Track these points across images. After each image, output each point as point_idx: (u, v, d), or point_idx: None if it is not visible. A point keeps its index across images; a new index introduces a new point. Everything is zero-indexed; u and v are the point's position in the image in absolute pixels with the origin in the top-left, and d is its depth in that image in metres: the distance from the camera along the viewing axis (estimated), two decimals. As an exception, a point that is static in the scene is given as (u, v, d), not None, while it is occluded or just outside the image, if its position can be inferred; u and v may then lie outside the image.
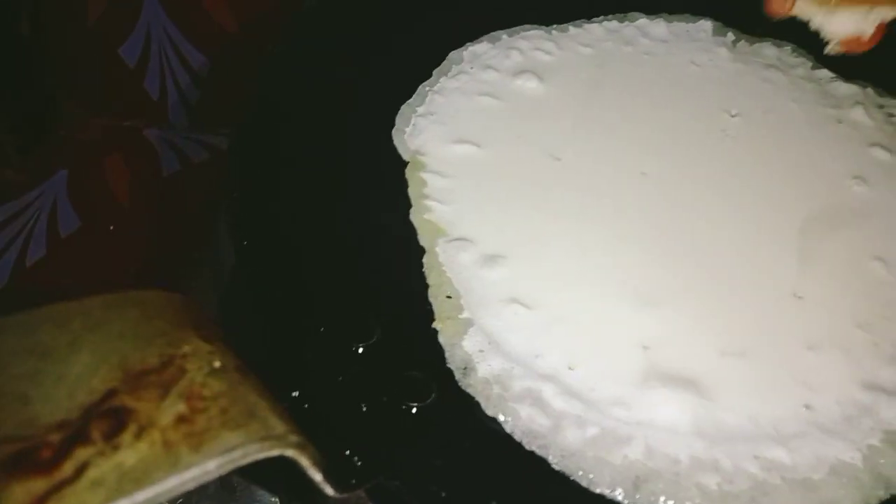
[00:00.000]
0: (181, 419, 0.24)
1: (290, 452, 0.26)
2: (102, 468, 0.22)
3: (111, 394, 0.24)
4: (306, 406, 0.36)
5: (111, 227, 1.06)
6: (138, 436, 0.23)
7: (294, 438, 0.27)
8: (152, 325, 0.27)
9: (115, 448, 0.23)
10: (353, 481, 0.33)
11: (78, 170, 1.08)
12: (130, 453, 0.23)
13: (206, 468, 0.24)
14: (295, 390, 0.36)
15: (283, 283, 0.42)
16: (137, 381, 0.25)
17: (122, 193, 1.07)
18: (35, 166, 1.09)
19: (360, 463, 0.34)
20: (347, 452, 0.35)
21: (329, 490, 0.32)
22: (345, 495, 0.33)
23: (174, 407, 0.25)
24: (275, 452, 0.26)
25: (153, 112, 1.12)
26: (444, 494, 0.34)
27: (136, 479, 0.22)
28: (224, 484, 0.44)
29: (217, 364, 0.27)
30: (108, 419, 0.23)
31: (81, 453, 0.22)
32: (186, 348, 0.27)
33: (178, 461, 0.23)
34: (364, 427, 0.36)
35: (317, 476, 0.29)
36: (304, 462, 0.27)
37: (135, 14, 1.04)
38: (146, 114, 1.12)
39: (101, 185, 1.07)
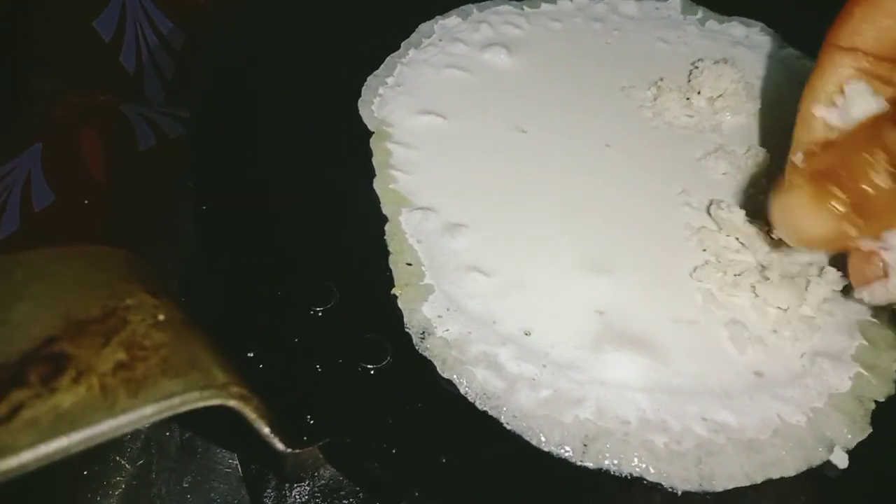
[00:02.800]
0: (121, 366, 0.25)
1: (231, 402, 0.27)
2: (38, 409, 0.23)
3: (51, 340, 0.25)
4: (261, 366, 0.36)
5: (85, 202, 1.05)
6: (76, 380, 0.24)
7: (236, 389, 0.27)
8: (96, 278, 0.27)
9: (52, 391, 0.23)
10: (305, 438, 0.34)
11: (52, 144, 1.08)
12: (67, 396, 0.23)
13: (142, 413, 0.24)
14: (250, 351, 0.37)
15: (242, 248, 0.42)
16: (78, 330, 0.25)
17: (97, 168, 1.07)
18: (9, 141, 1.08)
19: (312, 421, 0.35)
20: (300, 410, 0.35)
21: (279, 444, 0.32)
22: (296, 451, 0.33)
23: (114, 354, 0.25)
24: (214, 401, 0.26)
25: (129, 87, 1.11)
26: (394, 451, 0.35)
27: (71, 420, 0.23)
28: (185, 446, 0.44)
29: (161, 317, 0.28)
30: (47, 364, 0.24)
31: (17, 395, 0.23)
32: (130, 301, 0.27)
33: (115, 405, 0.24)
34: (318, 387, 0.37)
35: (263, 429, 0.30)
36: (249, 414, 0.28)
37: (109, -13, 1.03)
38: (122, 88, 1.11)
39: (76, 159, 1.07)
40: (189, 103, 0.97)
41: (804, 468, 0.39)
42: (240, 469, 0.43)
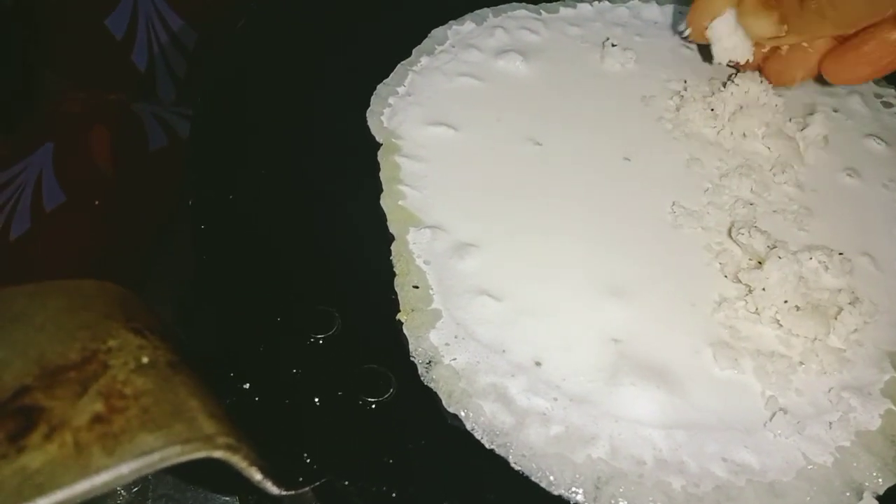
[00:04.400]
0: (97, 419, 0.23)
1: (218, 454, 0.25)
2: (2, 472, 0.21)
3: (23, 391, 0.23)
4: (257, 399, 0.35)
5: (96, 202, 1.05)
6: (48, 437, 0.22)
7: (223, 440, 0.25)
8: (77, 317, 0.26)
9: (20, 450, 0.22)
10: (301, 479, 0.32)
11: (63, 143, 1.07)
12: (37, 456, 0.22)
13: (118, 472, 0.23)
14: (246, 382, 0.35)
15: (241, 271, 0.41)
16: (54, 378, 0.24)
17: (108, 168, 1.06)
18: (20, 140, 1.07)
19: (309, 460, 0.33)
20: (297, 448, 0.33)
21: (273, 489, 0.30)
22: (291, 493, 0.32)
23: (91, 406, 0.23)
24: (198, 455, 0.24)
25: (141, 85, 1.10)
26: (394, 495, 0.33)
27: (39, 483, 0.21)
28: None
29: (145, 359, 0.26)
30: (16, 419, 0.22)
31: (-19, 456, 0.21)
32: (112, 342, 0.26)
33: (89, 464, 0.22)
34: (316, 423, 0.35)
35: (255, 476, 0.28)
36: (237, 463, 0.26)
37: (121, -15, 1.02)
38: (134, 87, 1.10)
39: (87, 159, 1.06)
40: (177, 110, 0.96)
41: (831, 515, 0.37)
42: (238, 500, 0.41)
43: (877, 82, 0.61)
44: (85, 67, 1.09)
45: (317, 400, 0.36)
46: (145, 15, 1.04)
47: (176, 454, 0.24)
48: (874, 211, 0.52)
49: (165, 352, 0.27)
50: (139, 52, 1.08)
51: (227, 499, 0.43)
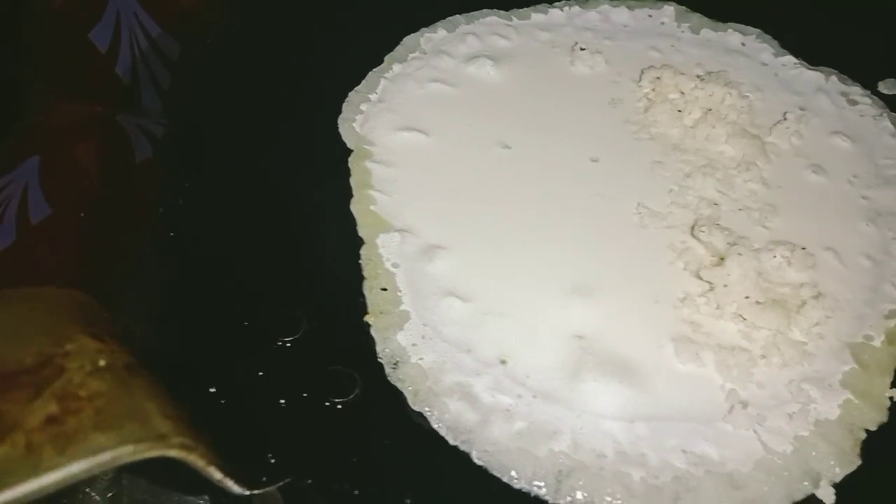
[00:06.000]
0: (51, 420, 0.24)
1: (172, 453, 0.26)
2: (-46, 473, 0.22)
3: (-21, 395, 0.24)
4: (223, 402, 0.36)
5: (82, 215, 1.05)
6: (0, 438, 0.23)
7: (177, 439, 0.26)
8: (37, 323, 0.27)
9: (-28, 452, 0.22)
10: (264, 479, 0.33)
11: (49, 156, 1.07)
12: (-12, 457, 0.23)
13: (69, 471, 0.23)
14: (212, 386, 0.36)
15: (210, 276, 0.41)
16: (9, 382, 0.24)
17: (94, 180, 1.06)
18: (5, 153, 1.08)
19: (274, 460, 0.34)
20: (261, 449, 0.34)
21: (235, 488, 0.31)
22: (255, 492, 0.32)
23: (45, 408, 0.24)
24: (151, 454, 0.25)
25: (125, 97, 1.11)
26: (356, 493, 0.34)
27: (-12, 483, 0.22)
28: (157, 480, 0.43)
29: (102, 363, 0.27)
30: (-30, 422, 0.23)
31: (-66, 458, 0.22)
32: (70, 346, 0.26)
33: (40, 464, 0.23)
34: (281, 424, 0.36)
35: (215, 475, 0.29)
36: (194, 462, 0.27)
37: (103, -1, 1.03)
38: (119, 99, 1.11)
39: (73, 171, 1.06)
40: (161, 121, 0.97)
41: (788, 504, 0.37)
42: (209, 502, 0.42)
43: (842, 80, 0.62)
44: (70, 80, 1.10)
45: (282, 401, 0.37)
46: (128, 27, 1.05)
47: (128, 453, 0.24)
48: (838, 206, 0.53)
49: (123, 355, 0.28)
50: (123, 64, 1.09)
51: (201, 502, 0.44)
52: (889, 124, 0.59)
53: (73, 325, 0.27)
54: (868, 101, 0.61)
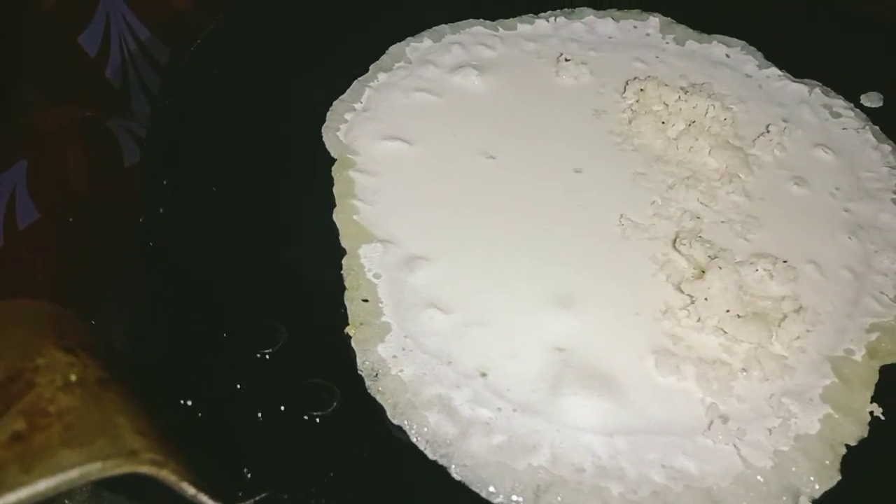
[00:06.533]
0: (17, 437, 0.24)
1: (143, 469, 0.26)
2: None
3: (-56, 413, 0.24)
4: (199, 415, 0.35)
5: (70, 219, 1.04)
6: (-35, 457, 0.23)
7: (148, 455, 0.26)
8: (6, 337, 0.26)
9: (-64, 471, 0.22)
10: (240, 494, 0.33)
11: (37, 160, 1.07)
12: (-49, 476, 0.22)
13: (35, 489, 0.23)
14: (188, 399, 0.36)
15: (189, 287, 0.41)
16: (-23, 398, 0.24)
17: (83, 184, 1.06)
18: (-7, 157, 1.07)
19: (250, 475, 0.34)
20: (237, 463, 0.34)
21: (210, 503, 0.31)
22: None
23: (12, 424, 0.24)
24: (120, 471, 0.25)
25: (115, 102, 1.10)
26: (333, 508, 0.34)
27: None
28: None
29: (73, 377, 0.26)
30: (-66, 440, 0.23)
31: None
32: (40, 361, 0.26)
33: (4, 482, 0.23)
34: (258, 437, 0.36)
35: (188, 491, 0.29)
36: (166, 478, 0.27)
37: (93, 2, 1.02)
38: (108, 103, 1.10)
39: (61, 176, 1.06)
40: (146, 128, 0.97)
41: (766, 519, 0.37)
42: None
43: (825, 93, 0.63)
44: (59, 84, 1.10)
45: (259, 415, 0.37)
46: (118, 32, 1.05)
47: (97, 470, 0.24)
48: (820, 219, 0.53)
49: (96, 369, 0.28)
50: (113, 68, 1.09)
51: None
52: (871, 137, 0.59)
53: (45, 338, 0.27)
54: (851, 113, 0.61)
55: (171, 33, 1.06)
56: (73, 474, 0.24)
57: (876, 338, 0.46)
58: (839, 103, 0.62)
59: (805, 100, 0.62)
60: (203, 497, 0.30)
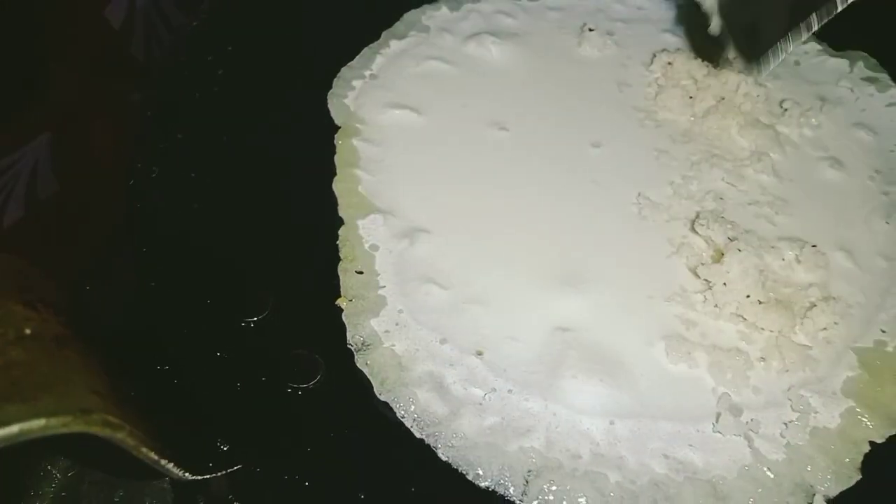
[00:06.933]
0: (-45, 389, 0.22)
1: (94, 430, 0.24)
2: None
3: None
4: (176, 382, 0.34)
5: (89, 190, 1.05)
6: None
7: (100, 416, 0.24)
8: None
9: None
10: (211, 465, 0.31)
11: (62, 133, 1.07)
12: None
13: (-32, 443, 0.22)
14: (165, 364, 0.34)
15: (175, 251, 0.40)
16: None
17: (106, 158, 1.06)
18: (18, 128, 1.08)
19: (225, 447, 0.32)
20: (211, 434, 0.32)
21: (177, 473, 0.29)
22: (199, 478, 0.31)
23: (-48, 376, 0.22)
24: (66, 430, 0.23)
25: (139, 76, 1.10)
26: (307, 484, 0.32)
27: None
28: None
29: (28, 331, 0.25)
30: None
31: None
32: (-6, 312, 0.25)
33: (-64, 438, 0.21)
34: (235, 408, 0.34)
35: (148, 455, 0.27)
36: (125, 442, 0.25)
37: (118, -25, 1.02)
38: (132, 77, 1.10)
39: (84, 149, 1.06)
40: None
41: (775, 519, 0.35)
42: (171, 488, 0.40)
43: (869, 66, 0.58)
44: (85, 58, 1.10)
45: (239, 385, 0.35)
46: (142, 5, 1.05)
47: (39, 427, 0.23)
48: (855, 204, 0.50)
49: (55, 325, 0.26)
50: (136, 42, 1.08)
51: (166, 486, 0.42)
52: (919, 115, 0.55)
53: (4, 290, 0.26)
54: (897, 90, 0.57)
55: (194, 6, 1.05)
56: (12, 430, 0.22)
57: (910, 329, 0.42)
58: (885, 78, 0.58)
59: (846, 75, 0.58)
60: (169, 465, 0.29)
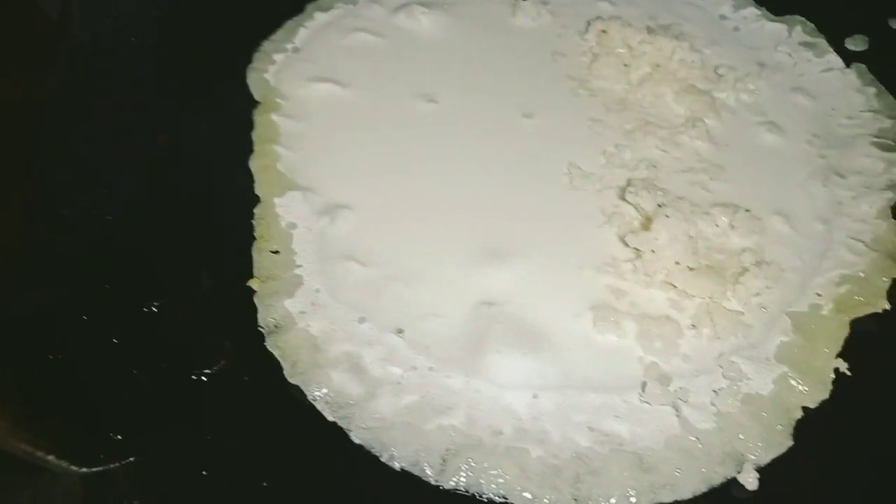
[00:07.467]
0: None
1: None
2: None
3: None
4: (65, 371, 0.32)
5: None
6: None
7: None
8: None
9: None
10: (102, 457, 0.29)
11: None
12: None
13: None
14: (56, 353, 0.32)
15: (72, 231, 0.37)
16: None
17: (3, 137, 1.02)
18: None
19: (119, 437, 0.30)
20: (103, 425, 0.30)
21: (64, 466, 0.27)
22: (89, 471, 0.29)
23: None
24: None
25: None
26: (205, 473, 0.30)
27: None
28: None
29: None
30: None
31: None
32: None
33: None
34: (131, 398, 0.32)
35: (21, 449, 0.25)
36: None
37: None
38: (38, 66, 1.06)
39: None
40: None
41: (704, 489, 0.33)
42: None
43: (808, 31, 0.57)
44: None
45: (135, 371, 0.33)
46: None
47: None
48: (793, 168, 0.49)
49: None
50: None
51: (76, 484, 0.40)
52: (855, 79, 0.54)
53: None
54: (834, 54, 0.56)
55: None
56: None
57: (846, 290, 0.41)
58: (822, 43, 0.57)
59: (783, 40, 0.57)
60: (49, 457, 0.27)
